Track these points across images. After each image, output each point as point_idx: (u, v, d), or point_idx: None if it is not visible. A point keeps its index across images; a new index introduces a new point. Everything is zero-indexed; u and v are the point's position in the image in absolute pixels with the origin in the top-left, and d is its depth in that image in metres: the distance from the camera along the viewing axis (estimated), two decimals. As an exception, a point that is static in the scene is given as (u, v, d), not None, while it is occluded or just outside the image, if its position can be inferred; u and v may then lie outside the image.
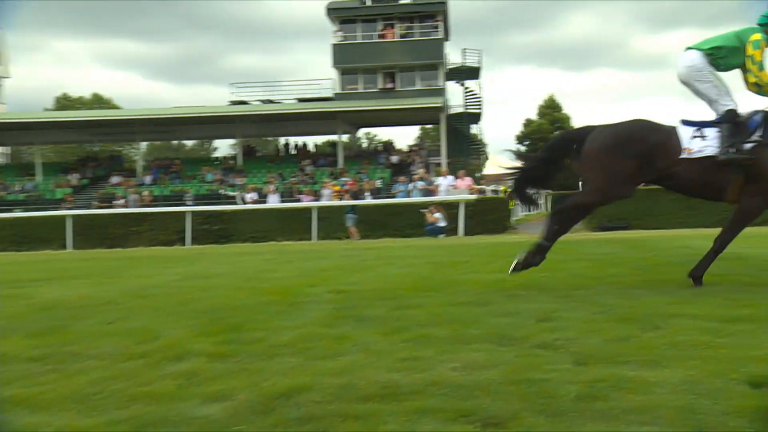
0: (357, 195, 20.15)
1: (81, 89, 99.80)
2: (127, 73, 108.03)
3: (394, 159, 32.25)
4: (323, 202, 20.80)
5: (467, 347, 3.84)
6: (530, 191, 6.80)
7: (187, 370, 3.54)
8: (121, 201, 27.26)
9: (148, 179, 32.79)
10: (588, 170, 6.33)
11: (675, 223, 18.09)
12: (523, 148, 60.11)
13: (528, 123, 60.17)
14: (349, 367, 3.48)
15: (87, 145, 40.85)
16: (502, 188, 24.45)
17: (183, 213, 20.75)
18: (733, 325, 4.09)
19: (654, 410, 2.63)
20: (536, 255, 6.38)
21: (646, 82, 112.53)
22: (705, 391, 2.79)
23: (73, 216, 21.01)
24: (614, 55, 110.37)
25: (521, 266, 6.39)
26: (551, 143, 7.10)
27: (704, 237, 13.54)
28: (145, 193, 28.16)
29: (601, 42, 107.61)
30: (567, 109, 62.66)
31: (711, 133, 5.96)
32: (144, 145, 44.03)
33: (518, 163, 6.75)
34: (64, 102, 60.60)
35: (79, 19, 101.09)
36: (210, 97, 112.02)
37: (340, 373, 3.36)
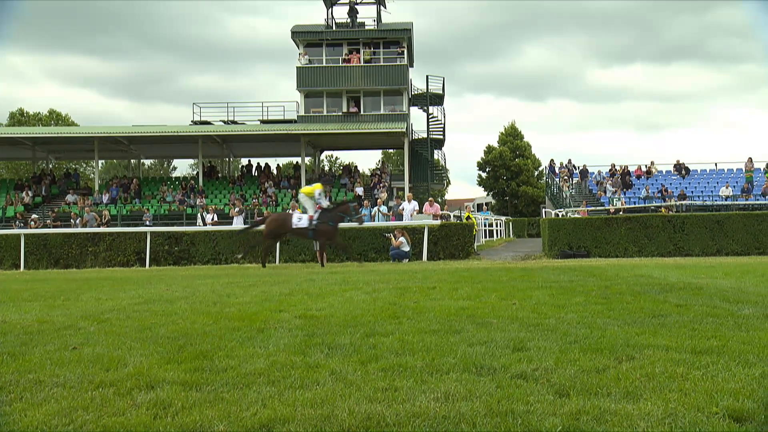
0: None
1: (36, 105, 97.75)
2: (83, 91, 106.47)
3: (359, 190, 32.10)
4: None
5: (446, 377, 3.82)
6: None
7: (160, 399, 3.44)
8: (77, 220, 26.54)
9: (105, 198, 32.08)
10: None
11: (632, 251, 18.51)
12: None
13: (489, 150, 61.08)
14: (327, 398, 3.42)
15: (41, 162, 39.80)
16: (465, 214, 24.60)
17: (141, 233, 20.30)
18: (705, 356, 4.16)
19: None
20: None
21: (600, 114, 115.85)
22: (687, 425, 2.82)
23: (26, 235, 20.37)
24: (570, 87, 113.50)
25: None
26: None
27: (661, 267, 13.97)
28: (104, 212, 27.48)
29: (557, 74, 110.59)
30: (527, 137, 63.79)
31: None
32: (101, 163, 43.16)
33: None
34: (20, 118, 59.13)
35: (34, 33, 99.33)
36: (168, 116, 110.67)
37: (319, 404, 3.30)
